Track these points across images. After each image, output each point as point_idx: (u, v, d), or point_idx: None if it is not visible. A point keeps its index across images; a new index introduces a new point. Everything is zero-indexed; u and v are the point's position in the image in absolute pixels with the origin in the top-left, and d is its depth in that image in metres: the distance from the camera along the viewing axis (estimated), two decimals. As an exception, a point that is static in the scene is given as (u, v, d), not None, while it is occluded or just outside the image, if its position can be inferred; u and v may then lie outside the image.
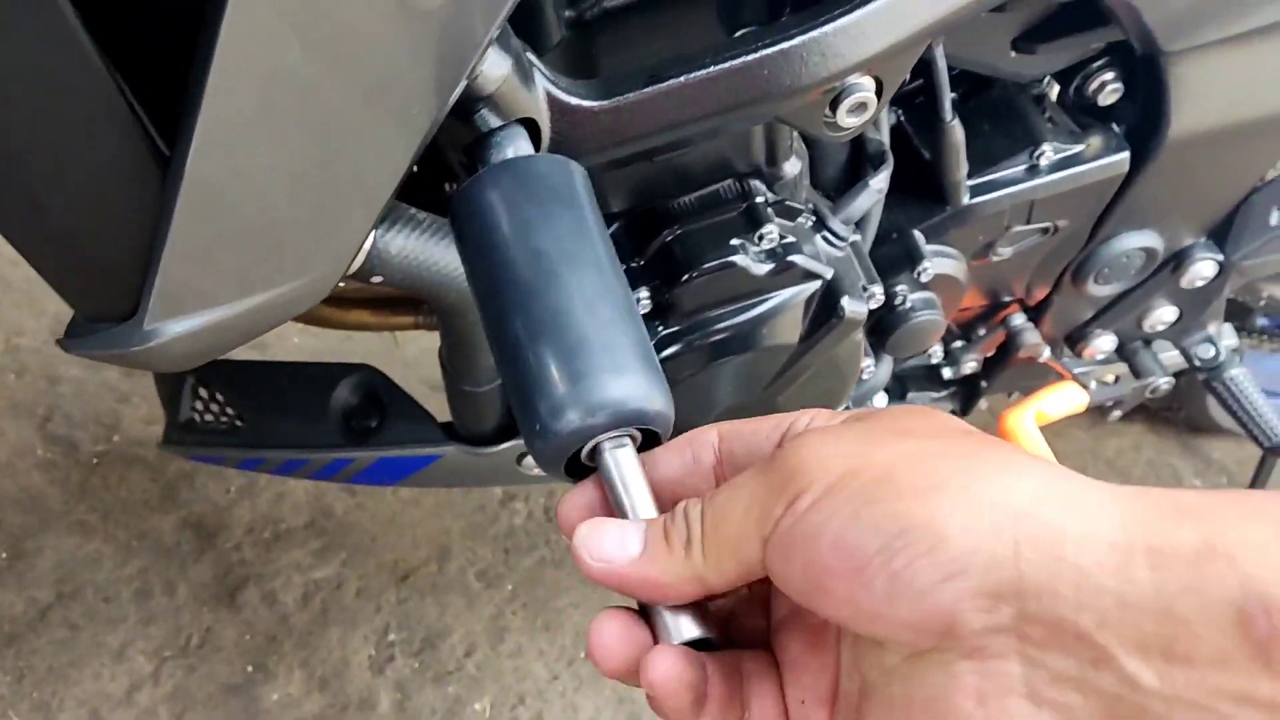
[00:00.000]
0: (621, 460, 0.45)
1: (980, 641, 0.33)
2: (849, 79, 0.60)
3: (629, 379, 0.44)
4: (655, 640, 0.42)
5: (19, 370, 1.58)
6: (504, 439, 0.97)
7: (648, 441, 0.46)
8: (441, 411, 1.01)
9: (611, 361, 0.44)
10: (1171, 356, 1.21)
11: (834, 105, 0.61)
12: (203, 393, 1.11)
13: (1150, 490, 0.33)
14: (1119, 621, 0.30)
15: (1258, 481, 1.16)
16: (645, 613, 0.43)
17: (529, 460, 0.99)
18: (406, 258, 0.65)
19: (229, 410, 1.11)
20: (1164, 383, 1.18)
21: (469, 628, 1.38)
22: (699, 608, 0.43)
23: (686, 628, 0.42)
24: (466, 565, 1.46)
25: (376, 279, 0.66)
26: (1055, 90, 0.95)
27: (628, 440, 0.45)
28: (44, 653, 1.26)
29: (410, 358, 1.72)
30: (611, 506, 0.45)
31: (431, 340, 1.80)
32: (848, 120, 0.62)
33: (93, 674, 1.25)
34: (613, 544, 0.41)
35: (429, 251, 0.66)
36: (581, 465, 0.46)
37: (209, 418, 1.12)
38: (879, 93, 0.62)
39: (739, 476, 0.41)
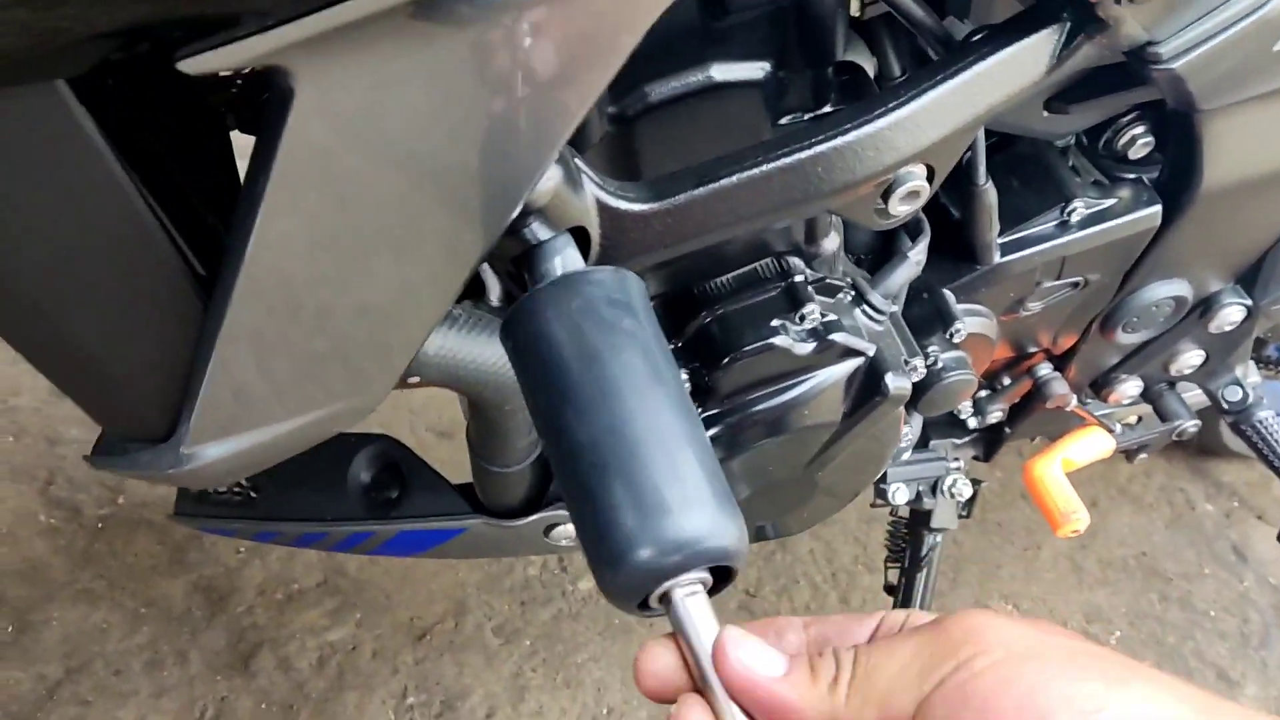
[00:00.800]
0: (693, 609, 0.43)
1: None
2: (902, 170, 0.58)
3: (705, 514, 0.42)
4: None
5: (17, 432, 1.55)
6: (531, 511, 0.95)
7: (721, 576, 0.45)
8: (452, 458, 0.99)
9: (685, 495, 0.43)
10: (1195, 395, 1.20)
11: (885, 195, 0.60)
12: (215, 463, 1.08)
13: None
14: None
15: (1290, 523, 1.15)
16: None
17: (558, 531, 0.97)
18: (444, 357, 0.63)
19: (242, 481, 1.08)
20: (1191, 425, 1.16)
21: (489, 688, 1.35)
22: None
23: None
24: (484, 621, 1.43)
25: (413, 380, 0.64)
26: (1083, 142, 0.94)
27: (699, 587, 0.43)
28: (55, 731, 1.23)
29: (416, 405, 1.70)
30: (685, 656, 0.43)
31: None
32: (899, 209, 0.60)
33: (106, 752, 1.23)
34: (759, 656, 0.41)
35: (466, 348, 0.64)
36: (647, 602, 0.44)
37: (222, 489, 1.09)
38: (930, 179, 0.60)
39: (893, 637, 0.41)
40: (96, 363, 0.50)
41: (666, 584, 0.42)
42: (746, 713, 0.42)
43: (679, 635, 0.43)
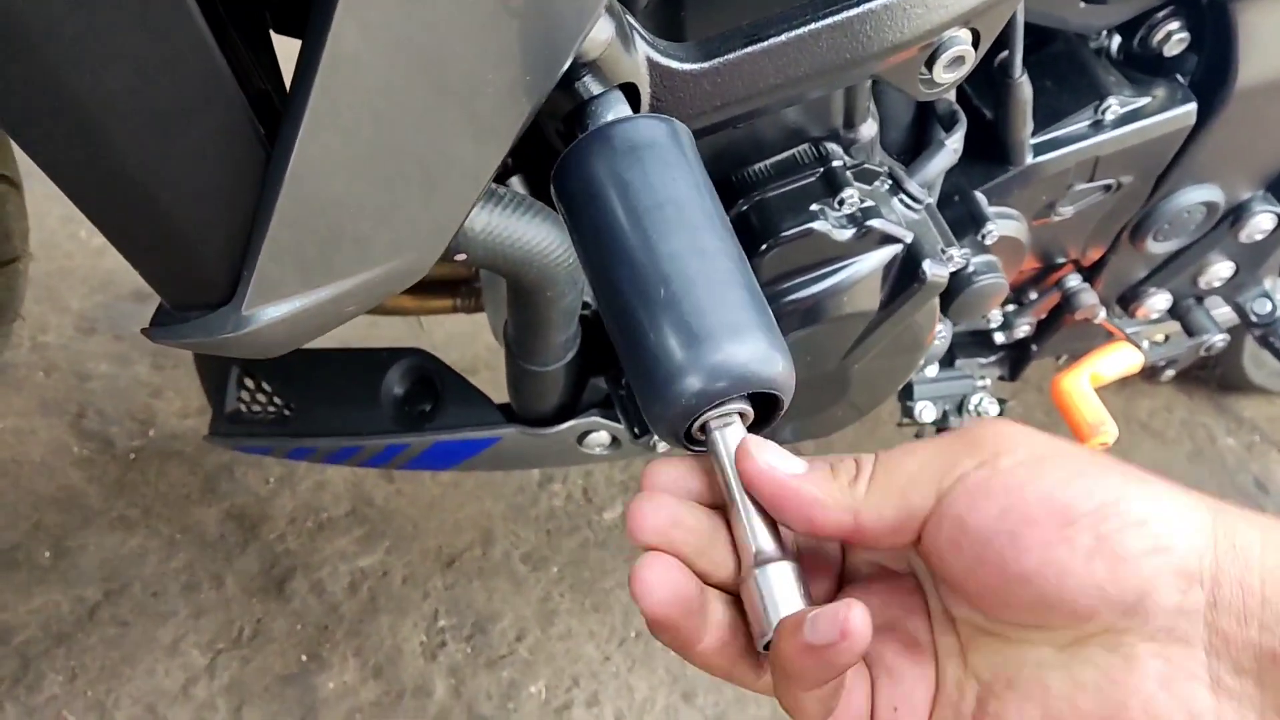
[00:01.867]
0: (730, 435, 0.43)
1: (1170, 622, 0.35)
2: (947, 33, 0.58)
3: (750, 342, 0.43)
4: (753, 614, 0.42)
5: (47, 368, 1.57)
6: (565, 418, 0.96)
7: (768, 406, 0.45)
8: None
9: (731, 324, 0.43)
10: (1224, 313, 1.20)
11: (930, 62, 0.60)
12: (249, 383, 1.09)
13: None
14: None
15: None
16: (748, 592, 0.42)
17: (591, 439, 0.98)
18: (491, 234, 0.64)
19: (276, 400, 1.09)
20: (1219, 340, 1.17)
21: (518, 611, 1.37)
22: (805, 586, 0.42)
23: (786, 601, 0.41)
24: (511, 549, 1.45)
25: (460, 257, 0.64)
26: (1116, 42, 0.93)
27: (736, 418, 0.44)
28: (95, 651, 1.25)
29: (439, 342, 1.71)
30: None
31: (457, 325, 1.79)
32: (944, 76, 0.60)
33: (146, 670, 1.24)
34: (780, 457, 0.42)
35: (512, 227, 0.64)
36: (692, 437, 0.45)
37: (256, 408, 1.10)
38: (975, 45, 0.60)
39: (914, 443, 0.41)
40: (159, 216, 0.50)
41: (713, 410, 0.42)
42: (768, 518, 0.42)
43: (715, 461, 0.44)
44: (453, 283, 1.24)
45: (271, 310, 0.54)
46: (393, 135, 0.49)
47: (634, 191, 0.46)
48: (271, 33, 0.63)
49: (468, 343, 1.73)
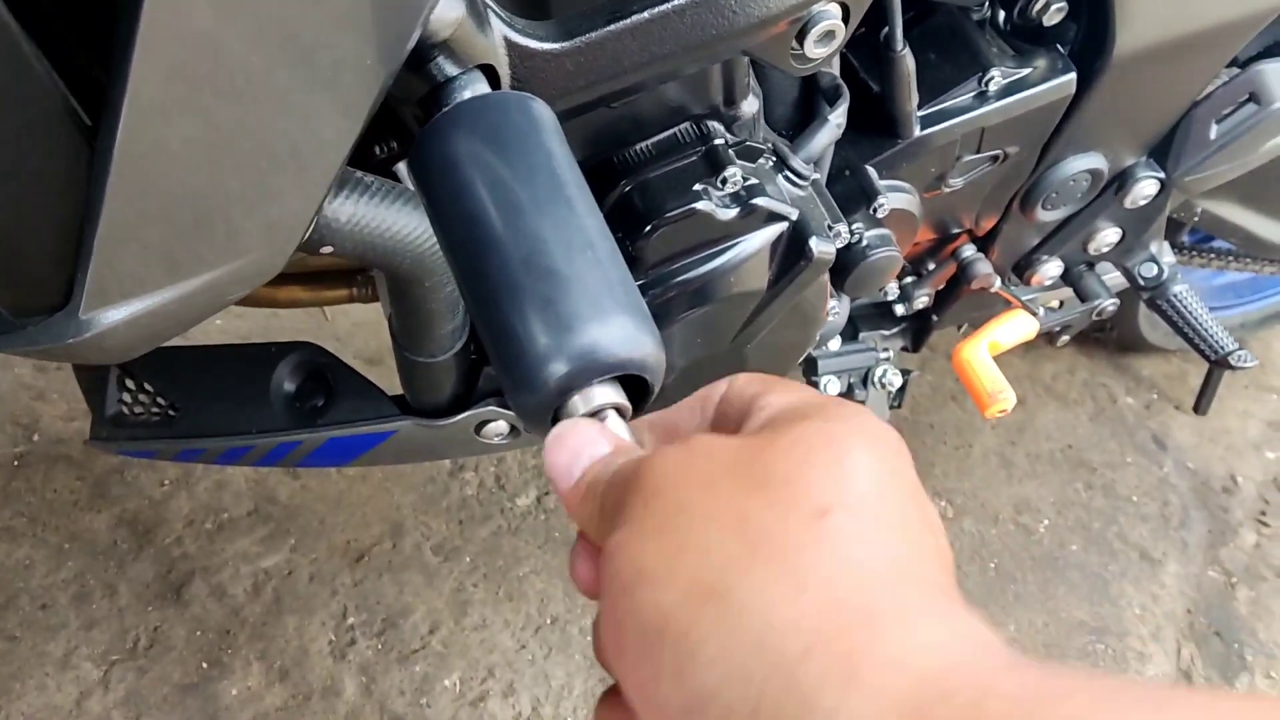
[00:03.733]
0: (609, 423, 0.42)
1: None
2: (816, 7, 0.57)
3: (615, 323, 0.41)
4: None
5: (-78, 374, 1.49)
6: (460, 409, 0.94)
7: (638, 389, 0.44)
8: (380, 384, 0.97)
9: (595, 306, 0.42)
10: (1114, 278, 1.22)
11: (800, 36, 0.59)
12: (130, 383, 1.05)
13: (963, 666, 0.27)
14: None
15: (1205, 393, 1.18)
16: None
17: (489, 429, 0.95)
18: (357, 225, 0.61)
19: (160, 400, 1.05)
20: (1109, 304, 1.19)
21: (430, 604, 1.35)
22: None
23: None
24: (422, 540, 1.42)
25: (325, 250, 0.62)
26: (997, 14, 0.94)
27: (610, 408, 0.42)
28: (-19, 669, 1.20)
29: (343, 332, 1.66)
30: None
31: (363, 314, 1.75)
32: (815, 51, 0.59)
33: (37, 685, 1.19)
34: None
35: (380, 217, 0.62)
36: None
37: (139, 410, 1.06)
38: (845, 20, 0.59)
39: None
40: (-21, 220, 0.47)
41: (580, 393, 0.41)
42: None
43: None
44: (348, 272, 1.20)
45: (111, 313, 0.51)
46: (226, 121, 0.46)
47: (493, 171, 0.44)
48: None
49: (372, 332, 1.69)
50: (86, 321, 0.51)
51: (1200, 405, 1.32)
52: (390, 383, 0.98)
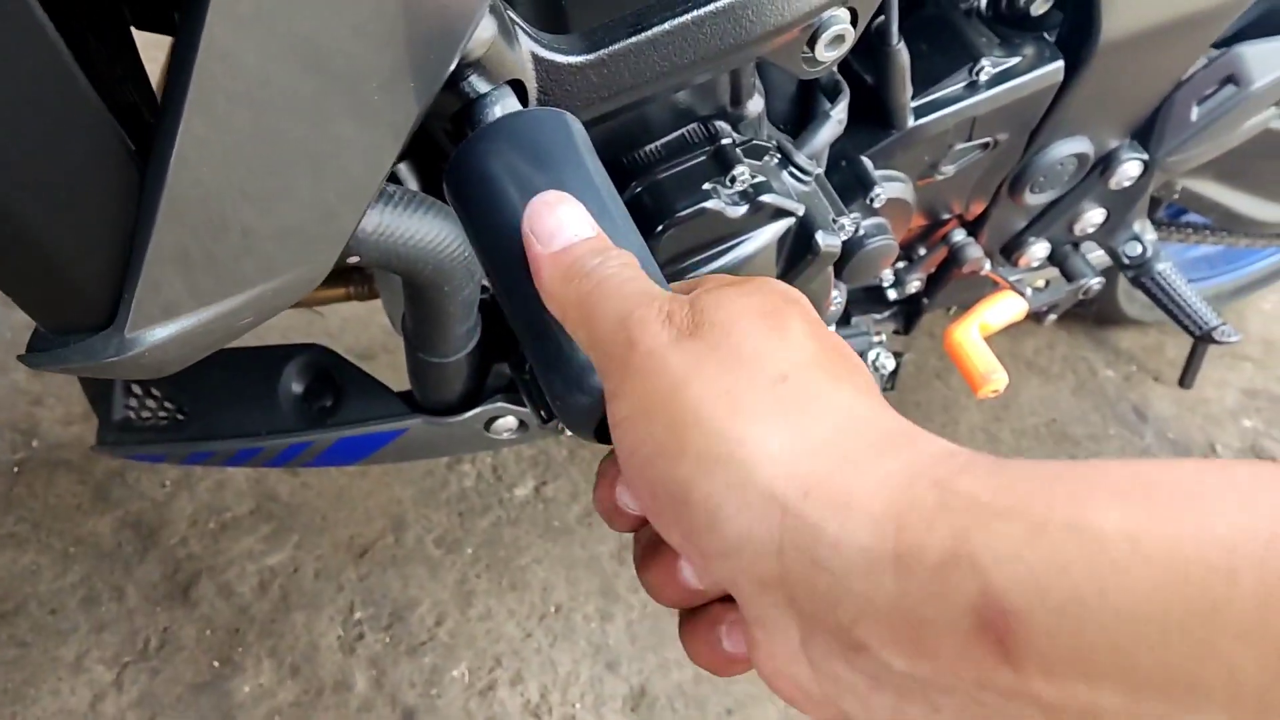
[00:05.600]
0: None
1: (760, 612, 0.35)
2: (826, 12, 0.59)
3: None
4: None
5: (-85, 383, 1.48)
6: (470, 406, 0.95)
7: None
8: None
9: None
10: (1098, 256, 1.25)
11: (811, 41, 0.60)
12: (136, 388, 1.05)
13: (923, 476, 0.33)
14: (871, 618, 0.32)
15: (1190, 367, 1.21)
16: None
17: (498, 424, 0.97)
18: (383, 235, 0.62)
19: (168, 404, 1.06)
20: (1095, 283, 1.22)
21: (435, 596, 1.37)
22: None
23: None
24: (423, 533, 1.44)
25: (353, 259, 0.63)
26: (985, 1, 0.96)
27: None
28: (-7, 676, 1.21)
29: (334, 328, 1.67)
30: None
31: (353, 309, 1.75)
32: (826, 54, 0.61)
33: (50, 690, 1.20)
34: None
35: (405, 226, 0.63)
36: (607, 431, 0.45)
37: (146, 414, 1.06)
38: (854, 23, 0.61)
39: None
40: (27, 243, 0.47)
41: None
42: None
43: None
44: (345, 271, 1.21)
45: (158, 331, 0.52)
46: (274, 148, 0.47)
47: (530, 184, 0.46)
48: (134, 32, 0.60)
49: (362, 327, 1.70)
50: (132, 340, 0.52)
51: (1185, 379, 1.35)
52: (386, 378, 0.99)
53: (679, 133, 0.73)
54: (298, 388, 1.03)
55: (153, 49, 0.60)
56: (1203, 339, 1.18)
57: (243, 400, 1.04)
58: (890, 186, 0.94)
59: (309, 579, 1.36)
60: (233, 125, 0.45)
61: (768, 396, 0.36)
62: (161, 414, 1.07)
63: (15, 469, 1.40)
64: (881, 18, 0.83)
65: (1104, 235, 1.19)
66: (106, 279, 0.50)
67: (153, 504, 1.40)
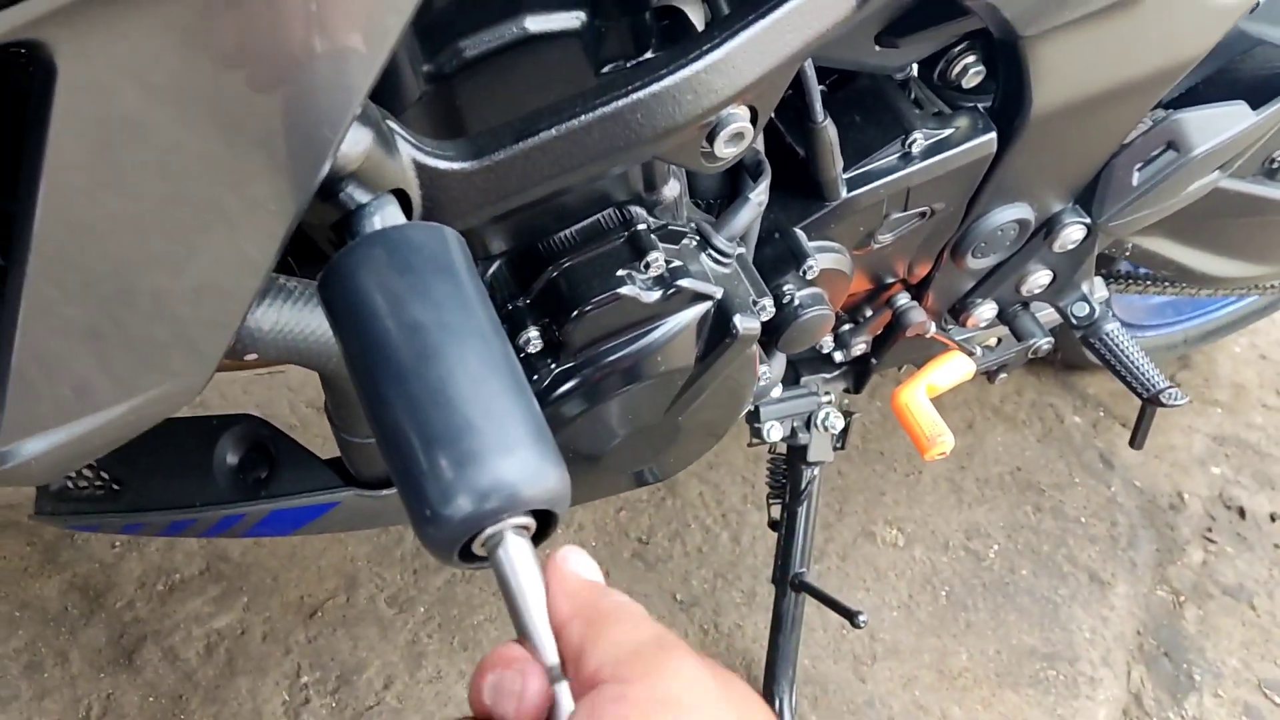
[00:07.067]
0: (514, 555, 0.43)
1: None
2: (724, 111, 0.58)
3: (520, 458, 0.42)
4: None
5: None
6: (401, 480, 0.94)
7: (545, 515, 0.45)
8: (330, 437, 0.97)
9: (501, 440, 0.42)
10: (1049, 314, 1.24)
11: (710, 138, 0.60)
12: (72, 458, 1.04)
13: None
14: None
15: (1140, 428, 1.21)
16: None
17: (431, 498, 0.96)
18: (280, 332, 0.62)
19: (104, 474, 1.05)
20: (1044, 343, 1.21)
21: (385, 658, 1.35)
22: None
23: None
24: (376, 592, 1.42)
25: (250, 356, 0.62)
26: (916, 72, 0.96)
27: (523, 534, 0.43)
28: (-71, 747, 1.19)
29: (294, 382, 1.66)
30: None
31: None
32: (725, 151, 0.61)
33: (-13, 762, 1.18)
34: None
35: (304, 321, 0.62)
36: (472, 552, 0.44)
37: (83, 484, 1.05)
38: (754, 120, 0.61)
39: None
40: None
41: (487, 531, 0.42)
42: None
43: (500, 584, 0.43)
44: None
45: (31, 445, 0.51)
46: (140, 255, 0.46)
47: (400, 304, 0.45)
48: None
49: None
50: (7, 453, 0.51)
51: (1135, 440, 1.35)
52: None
53: (594, 219, 0.73)
54: (233, 459, 1.02)
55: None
56: (1150, 401, 1.17)
57: (178, 471, 1.03)
58: (824, 257, 0.93)
59: (256, 642, 1.34)
60: (92, 233, 0.45)
61: None
62: (98, 484, 1.06)
63: (-39, 530, 1.38)
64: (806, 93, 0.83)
65: (1052, 295, 1.18)
66: (-27, 395, 0.50)
67: (101, 566, 1.38)
